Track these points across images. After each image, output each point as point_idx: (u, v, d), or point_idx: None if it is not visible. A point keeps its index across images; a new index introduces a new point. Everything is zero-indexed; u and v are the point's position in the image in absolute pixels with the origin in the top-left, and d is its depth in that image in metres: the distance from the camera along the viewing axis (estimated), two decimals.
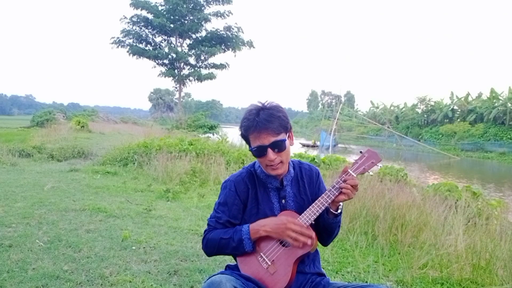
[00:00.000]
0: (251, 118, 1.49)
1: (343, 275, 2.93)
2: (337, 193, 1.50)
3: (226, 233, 1.56)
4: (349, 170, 1.54)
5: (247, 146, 1.58)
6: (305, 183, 1.67)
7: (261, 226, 1.52)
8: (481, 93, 44.54)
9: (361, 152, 1.59)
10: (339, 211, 1.57)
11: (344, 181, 1.49)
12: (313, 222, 1.52)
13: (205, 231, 1.63)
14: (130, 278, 2.59)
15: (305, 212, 1.53)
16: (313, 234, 1.51)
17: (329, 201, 1.51)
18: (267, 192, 1.63)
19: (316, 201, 1.53)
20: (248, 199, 1.61)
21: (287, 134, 1.53)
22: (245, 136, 1.55)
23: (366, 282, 2.78)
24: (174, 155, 7.73)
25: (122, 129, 25.33)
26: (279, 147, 1.49)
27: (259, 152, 1.50)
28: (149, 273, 2.72)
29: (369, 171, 1.56)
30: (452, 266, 3.01)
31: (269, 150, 1.48)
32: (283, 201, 1.62)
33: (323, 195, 1.53)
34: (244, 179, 1.63)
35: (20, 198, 4.76)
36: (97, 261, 2.85)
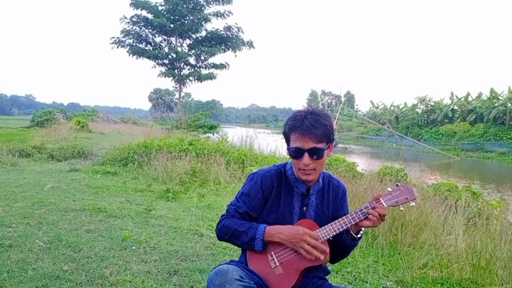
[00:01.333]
0: (298, 119, 1.49)
1: (343, 275, 2.92)
2: (362, 217, 1.49)
3: (242, 226, 1.56)
4: (381, 199, 1.52)
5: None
6: (330, 197, 1.66)
7: (277, 231, 1.52)
8: (481, 93, 44.61)
9: (397, 185, 1.56)
10: (359, 235, 1.56)
11: (373, 208, 1.48)
12: (331, 238, 1.51)
13: (222, 215, 1.64)
14: (130, 278, 2.59)
15: (325, 226, 1.52)
16: (327, 249, 1.49)
17: (353, 222, 1.50)
18: (291, 195, 1.62)
19: (340, 219, 1.52)
20: (271, 197, 1.61)
21: (328, 144, 1.52)
22: (287, 135, 1.54)
23: (366, 282, 2.79)
24: (174, 155, 7.72)
25: (122, 129, 25.36)
26: (317, 154, 1.48)
27: (296, 153, 1.49)
28: (149, 273, 2.72)
29: (400, 205, 1.52)
30: (452, 266, 3.01)
31: (306, 154, 1.47)
32: (305, 208, 1.62)
33: (348, 215, 1.52)
34: (271, 176, 1.63)
35: (20, 198, 4.75)
36: (97, 261, 2.85)
